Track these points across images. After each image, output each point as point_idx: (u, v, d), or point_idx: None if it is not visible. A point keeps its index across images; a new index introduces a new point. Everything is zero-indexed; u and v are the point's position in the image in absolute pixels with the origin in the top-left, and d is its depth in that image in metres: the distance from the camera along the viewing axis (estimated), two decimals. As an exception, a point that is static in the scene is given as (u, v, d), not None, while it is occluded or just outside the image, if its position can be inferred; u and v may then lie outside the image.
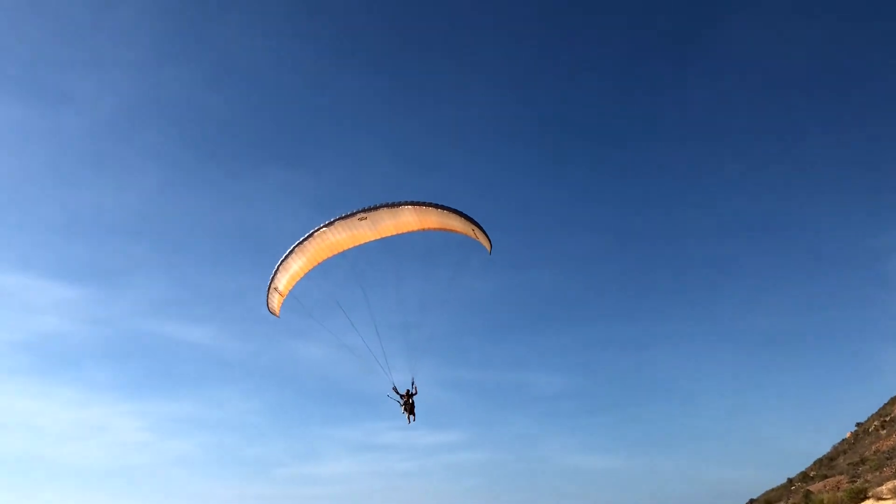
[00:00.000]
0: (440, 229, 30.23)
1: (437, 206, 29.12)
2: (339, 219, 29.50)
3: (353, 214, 29.41)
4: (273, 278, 29.86)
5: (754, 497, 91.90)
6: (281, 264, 29.79)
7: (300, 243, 29.64)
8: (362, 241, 30.90)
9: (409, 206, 29.22)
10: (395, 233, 30.66)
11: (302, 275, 30.67)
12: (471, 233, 29.51)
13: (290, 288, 30.73)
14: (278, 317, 30.73)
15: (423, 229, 30.54)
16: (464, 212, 29.25)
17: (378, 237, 30.87)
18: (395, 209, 29.38)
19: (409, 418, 28.01)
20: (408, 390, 28.39)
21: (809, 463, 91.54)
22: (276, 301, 30.25)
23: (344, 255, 29.53)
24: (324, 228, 29.50)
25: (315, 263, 30.73)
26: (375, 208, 29.39)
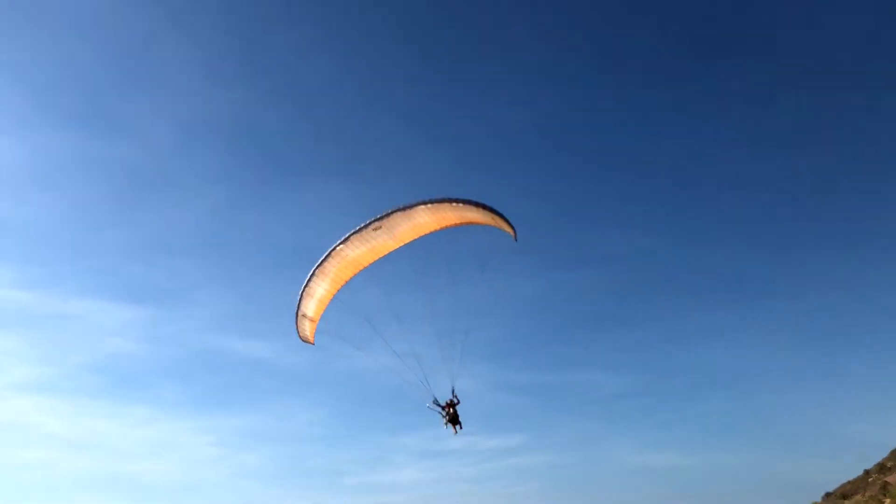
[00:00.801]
0: (461, 224, 28.56)
1: (450, 201, 27.50)
2: (352, 233, 28.21)
3: (366, 226, 28.09)
4: (300, 305, 28.67)
5: (830, 490, 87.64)
6: (304, 290, 28.60)
7: (320, 265, 28.44)
8: (383, 253, 29.50)
9: (423, 206, 27.70)
10: (414, 237, 29.16)
11: (329, 298, 29.40)
12: (491, 221, 27.71)
13: (321, 313, 29.47)
14: (313, 344, 29.48)
15: (444, 227, 28.91)
16: (479, 201, 27.50)
17: (398, 245, 29.41)
18: (408, 211, 27.92)
19: (454, 429, 26.20)
20: (449, 400, 26.57)
21: (886, 454, 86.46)
22: (307, 328, 29.03)
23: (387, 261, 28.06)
24: (340, 246, 28.23)
25: (340, 284, 29.44)
26: (388, 215, 28.00)
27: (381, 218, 27.95)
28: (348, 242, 28.12)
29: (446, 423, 26.14)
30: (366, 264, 29.58)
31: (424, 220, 28.51)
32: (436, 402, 26.52)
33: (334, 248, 28.24)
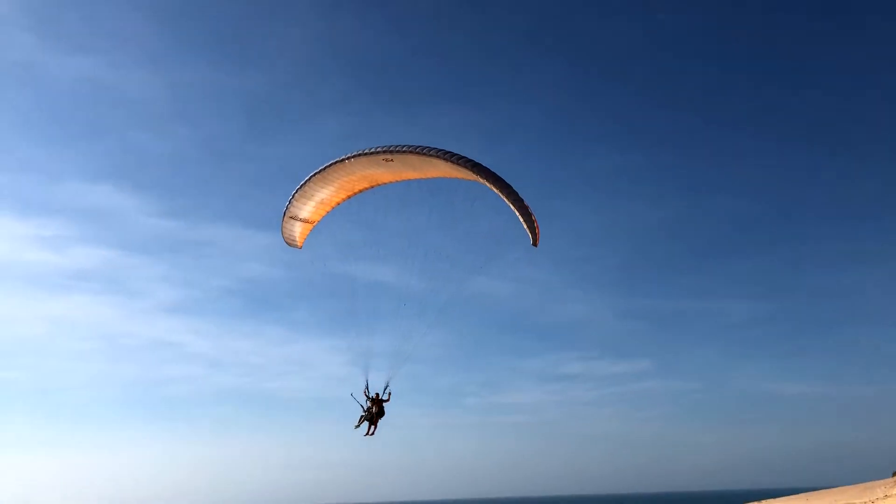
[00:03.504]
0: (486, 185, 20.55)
1: (479, 171, 19.23)
2: (360, 153, 21.41)
3: (374, 152, 21.00)
4: (289, 207, 23.61)
5: None
6: (298, 191, 23.19)
7: (320, 171, 22.45)
8: (407, 178, 22.56)
9: (443, 162, 19.77)
10: (440, 176, 21.71)
11: (336, 202, 23.78)
12: (518, 213, 19.43)
13: (322, 215, 24.26)
14: (300, 248, 24.87)
15: (468, 178, 21.05)
16: (514, 190, 18.96)
17: (423, 177, 22.19)
18: (428, 158, 20.20)
19: (369, 428, 21.34)
20: (377, 394, 21.43)
21: None
22: (296, 230, 24.25)
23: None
24: (346, 160, 21.79)
25: (350, 193, 23.46)
26: (401, 151, 20.51)
27: (394, 151, 20.56)
28: (356, 158, 21.47)
29: (362, 420, 21.42)
30: (386, 181, 22.95)
31: (446, 170, 20.74)
32: (365, 392, 21.65)
33: (336, 161, 21.83)
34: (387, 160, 21.08)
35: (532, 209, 18.92)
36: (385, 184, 23.27)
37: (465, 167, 19.08)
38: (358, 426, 21.26)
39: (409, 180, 22.73)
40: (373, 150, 21.05)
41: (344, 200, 24.15)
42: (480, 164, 18.98)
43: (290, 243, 24.76)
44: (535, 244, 19.14)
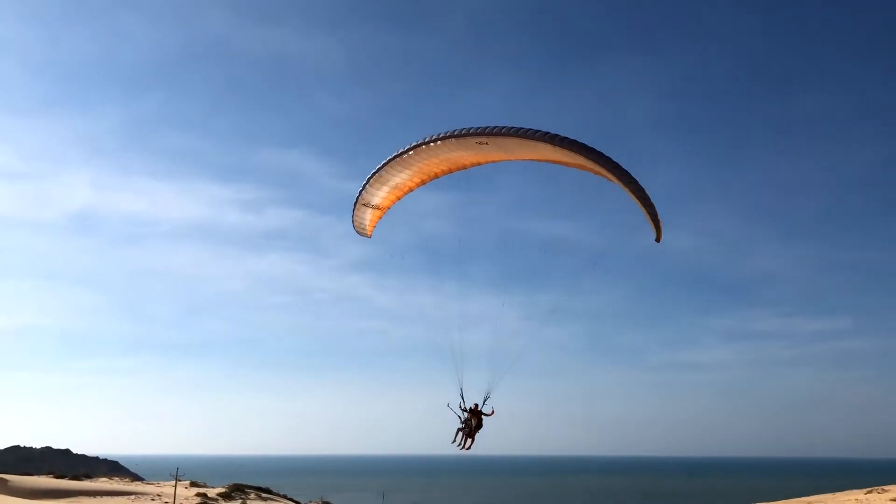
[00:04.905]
0: (594, 173, 19.14)
1: (593, 157, 17.76)
2: (449, 134, 19.85)
3: (468, 133, 19.45)
4: (362, 193, 22.04)
5: None
6: (374, 176, 21.62)
7: (399, 154, 20.90)
8: (495, 160, 21.07)
9: (549, 146, 18.27)
10: (538, 159, 20.23)
11: (412, 187, 22.26)
12: (639, 204, 18.04)
13: (395, 201, 22.73)
14: (370, 237, 23.35)
15: (578, 168, 19.59)
16: (636, 181, 17.53)
17: (514, 159, 20.71)
18: (529, 142, 18.69)
19: (465, 441, 20.06)
20: (476, 405, 20.06)
21: None
22: (367, 218, 22.72)
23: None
24: (432, 143, 20.21)
25: (431, 176, 21.95)
26: (499, 133, 18.95)
27: (490, 134, 19.00)
28: (444, 141, 19.90)
29: (460, 434, 20.11)
30: (469, 165, 21.42)
31: (550, 156, 19.25)
32: (460, 405, 20.25)
33: (421, 143, 20.26)
34: (480, 143, 19.57)
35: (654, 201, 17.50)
36: (466, 167, 21.78)
37: (581, 153, 17.59)
38: (455, 440, 19.94)
39: (496, 162, 21.28)
40: (465, 131, 19.53)
41: (417, 186, 22.61)
42: (598, 151, 17.51)
43: (360, 232, 23.24)
44: (658, 240, 17.83)
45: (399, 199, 22.80)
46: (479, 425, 19.88)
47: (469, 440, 19.80)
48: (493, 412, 19.81)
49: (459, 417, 19.84)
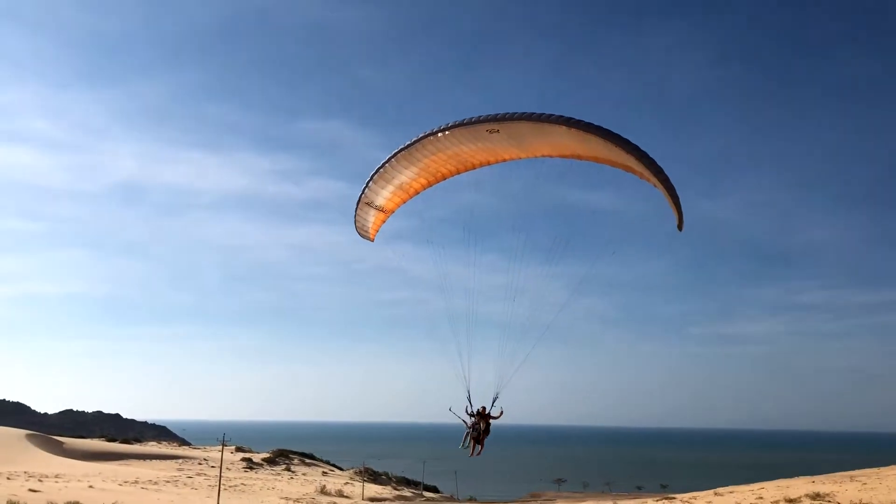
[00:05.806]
0: (612, 165, 17.85)
1: (608, 138, 16.51)
2: (457, 124, 18.72)
3: (477, 121, 18.32)
4: (365, 190, 20.79)
5: None
6: (377, 173, 20.40)
7: (405, 148, 19.73)
8: (506, 158, 19.83)
9: (564, 127, 17.06)
10: (552, 154, 18.98)
11: (418, 188, 20.95)
12: (660, 188, 16.65)
13: (400, 204, 21.41)
14: (372, 241, 21.95)
15: (592, 160, 18.32)
16: (655, 163, 16.21)
17: (528, 156, 19.47)
18: (542, 125, 17.49)
19: (474, 447, 18.21)
20: (483, 408, 18.25)
21: None
22: (370, 220, 21.37)
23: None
24: (439, 133, 19.06)
25: (438, 177, 20.68)
26: (510, 119, 17.81)
27: (500, 120, 17.87)
28: (451, 132, 18.77)
29: (467, 439, 18.28)
30: (478, 164, 20.19)
31: (564, 143, 18.02)
32: (467, 410, 18.48)
33: (429, 134, 19.14)
34: (490, 131, 18.39)
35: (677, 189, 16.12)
36: (475, 167, 20.55)
37: (596, 134, 16.34)
38: (464, 444, 18.09)
39: (508, 161, 20.05)
40: (474, 119, 18.41)
41: (423, 189, 21.30)
42: (615, 133, 16.32)
43: (362, 234, 21.83)
44: (680, 228, 16.41)
45: (404, 201, 21.50)
46: (487, 430, 18.19)
47: (479, 446, 18.02)
48: (501, 414, 18.10)
49: (465, 423, 18.11)
